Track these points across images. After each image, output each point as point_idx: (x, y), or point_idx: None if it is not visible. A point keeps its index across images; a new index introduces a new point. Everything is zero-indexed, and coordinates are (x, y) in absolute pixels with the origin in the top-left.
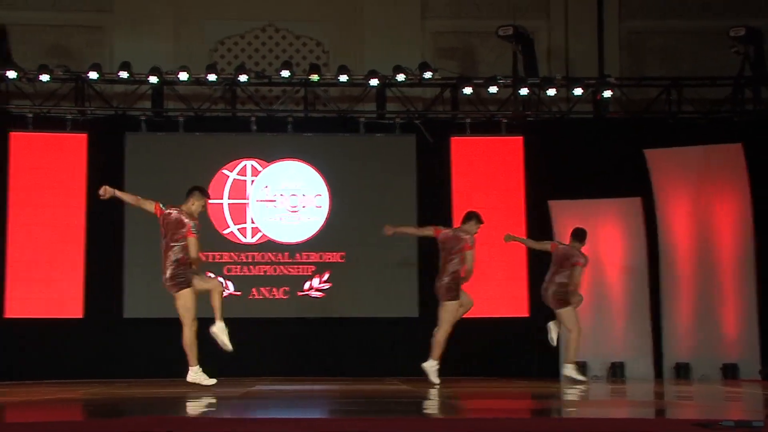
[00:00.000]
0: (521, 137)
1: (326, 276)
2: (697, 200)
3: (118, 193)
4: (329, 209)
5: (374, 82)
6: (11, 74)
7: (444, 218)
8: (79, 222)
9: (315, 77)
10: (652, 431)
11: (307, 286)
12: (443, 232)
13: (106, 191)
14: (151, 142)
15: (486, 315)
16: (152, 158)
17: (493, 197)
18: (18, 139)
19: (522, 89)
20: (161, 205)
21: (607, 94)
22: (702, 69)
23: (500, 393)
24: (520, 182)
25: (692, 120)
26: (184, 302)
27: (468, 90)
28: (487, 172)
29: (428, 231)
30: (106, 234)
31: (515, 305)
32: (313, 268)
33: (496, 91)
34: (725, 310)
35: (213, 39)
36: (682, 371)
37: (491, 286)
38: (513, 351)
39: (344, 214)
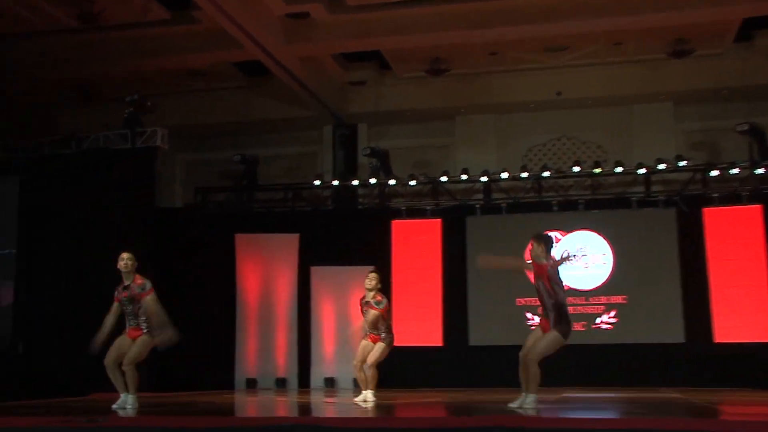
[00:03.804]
0: (760, 206)
1: (613, 313)
2: None
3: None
4: (613, 265)
5: (642, 170)
6: (392, 182)
7: (700, 269)
8: (437, 278)
9: (598, 170)
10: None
11: (598, 320)
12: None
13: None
14: (483, 222)
15: None
16: (485, 233)
17: (740, 250)
18: (397, 225)
19: (758, 169)
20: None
21: None
22: None
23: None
24: (760, 238)
25: None
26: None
27: (714, 172)
28: (734, 233)
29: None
30: (455, 286)
31: None
32: (603, 307)
33: (737, 172)
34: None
35: (524, 148)
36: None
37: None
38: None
39: (624, 267)
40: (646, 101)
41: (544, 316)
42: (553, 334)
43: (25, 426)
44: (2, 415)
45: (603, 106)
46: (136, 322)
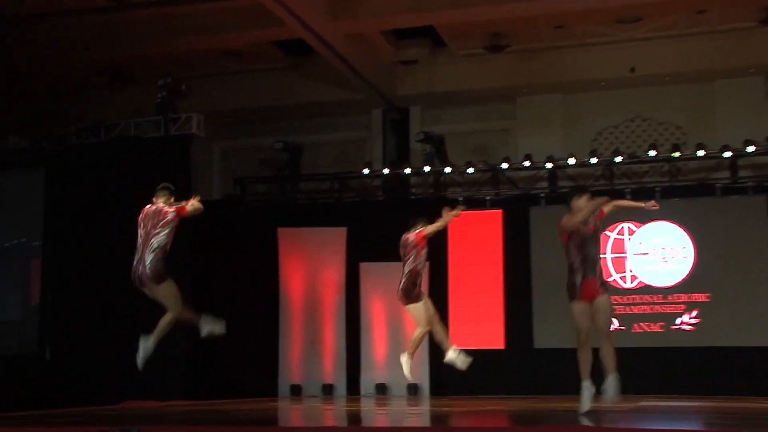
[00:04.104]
0: None
1: (695, 313)
2: None
3: None
4: (694, 259)
5: (727, 154)
6: (447, 169)
7: None
8: (498, 275)
9: (676, 154)
10: None
11: (678, 321)
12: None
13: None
14: (548, 213)
15: None
16: (550, 225)
17: None
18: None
19: None
20: None
21: None
22: None
23: None
24: None
25: None
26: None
27: None
28: None
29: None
30: (518, 283)
31: None
32: (683, 306)
33: None
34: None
35: (593, 131)
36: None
37: None
38: None
39: (708, 262)
40: (731, 76)
41: (590, 277)
42: (606, 297)
43: None
44: (30, 424)
45: (682, 83)
46: None
